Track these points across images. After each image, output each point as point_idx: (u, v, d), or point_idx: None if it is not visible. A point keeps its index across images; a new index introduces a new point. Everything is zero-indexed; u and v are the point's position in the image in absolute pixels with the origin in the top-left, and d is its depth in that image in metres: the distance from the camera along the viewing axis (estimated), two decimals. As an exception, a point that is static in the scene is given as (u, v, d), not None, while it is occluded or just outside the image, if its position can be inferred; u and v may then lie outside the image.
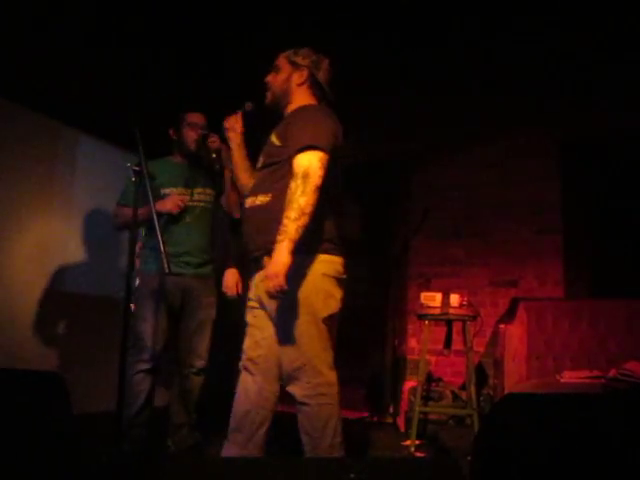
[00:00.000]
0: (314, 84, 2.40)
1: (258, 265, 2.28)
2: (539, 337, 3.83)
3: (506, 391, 3.61)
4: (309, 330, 2.18)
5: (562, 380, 3.10)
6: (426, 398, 3.95)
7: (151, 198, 2.18)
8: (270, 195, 2.23)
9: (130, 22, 3.47)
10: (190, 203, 3.11)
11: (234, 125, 2.49)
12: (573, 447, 1.43)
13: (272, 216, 2.16)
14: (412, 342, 4.87)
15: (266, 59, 2.44)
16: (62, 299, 4.10)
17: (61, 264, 4.14)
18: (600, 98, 4.03)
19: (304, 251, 2.14)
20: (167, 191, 3.10)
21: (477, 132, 4.70)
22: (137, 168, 2.18)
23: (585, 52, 3.47)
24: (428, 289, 4.60)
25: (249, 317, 2.40)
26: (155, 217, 2.18)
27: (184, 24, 3.38)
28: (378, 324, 5.08)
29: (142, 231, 3.18)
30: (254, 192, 2.31)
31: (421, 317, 3.63)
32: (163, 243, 2.11)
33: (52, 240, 4.09)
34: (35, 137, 3.99)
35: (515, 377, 3.69)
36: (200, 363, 3.12)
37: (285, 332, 2.20)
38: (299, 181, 2.08)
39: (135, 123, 2.21)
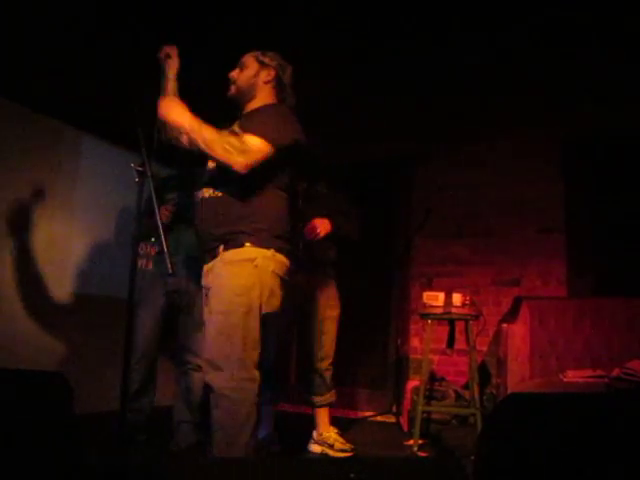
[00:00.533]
0: (279, 85, 2.49)
1: (213, 255, 2.29)
2: (542, 336, 3.82)
3: (509, 390, 3.61)
4: (246, 322, 2.16)
5: (565, 379, 3.10)
6: (429, 397, 3.94)
7: (154, 198, 2.18)
8: (229, 188, 2.28)
9: (132, 21, 3.47)
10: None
11: (170, 52, 2.48)
12: (576, 447, 1.43)
13: (231, 208, 2.25)
14: (415, 341, 4.87)
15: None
16: (66, 300, 4.11)
17: (64, 265, 4.15)
18: (602, 96, 4.02)
19: (259, 243, 2.21)
20: (170, 196, 3.16)
21: (479, 131, 4.69)
22: (140, 168, 2.18)
23: (587, 51, 3.45)
24: (430, 288, 4.60)
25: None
26: (158, 217, 2.17)
27: (186, 23, 3.37)
28: (381, 323, 5.09)
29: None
30: (211, 183, 2.34)
31: (424, 316, 3.62)
32: (166, 243, 2.10)
33: (55, 241, 4.10)
34: (37, 138, 4.00)
35: (518, 376, 3.68)
36: (198, 360, 3.12)
37: (217, 318, 2.18)
38: (237, 143, 2.16)
39: (138, 123, 2.21)
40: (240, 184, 2.24)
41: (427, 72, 3.80)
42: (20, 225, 3.86)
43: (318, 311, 3.37)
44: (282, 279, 2.28)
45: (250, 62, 2.48)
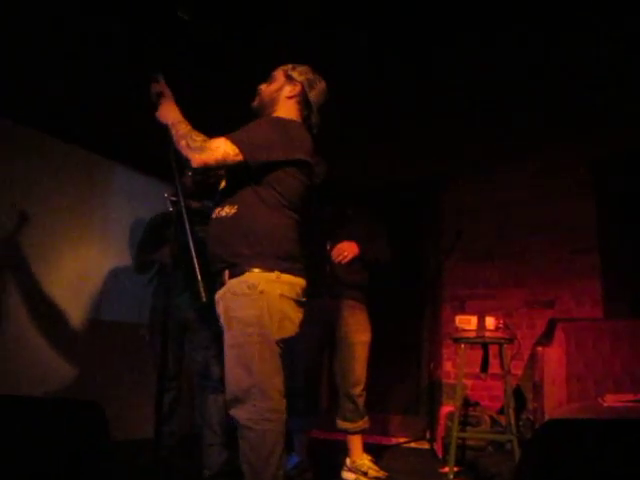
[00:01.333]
0: (303, 101, 2.41)
1: (220, 280, 2.24)
2: (579, 359, 3.73)
3: (546, 415, 3.52)
4: (260, 352, 2.09)
5: (605, 404, 3.01)
6: (464, 423, 3.86)
7: (187, 227, 2.21)
8: (236, 207, 2.23)
9: (164, 52, 3.56)
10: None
11: (159, 90, 2.42)
12: (618, 475, 1.38)
13: (236, 229, 2.19)
14: (447, 366, 4.80)
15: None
16: (99, 327, 4.17)
17: (98, 292, 4.22)
18: (633, 113, 3.96)
19: (262, 267, 2.14)
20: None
21: (509, 151, 4.66)
22: (174, 198, 2.22)
23: (617, 66, 3.42)
24: (463, 312, 4.55)
25: None
26: (192, 246, 2.19)
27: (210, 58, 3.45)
28: (413, 348, 5.03)
29: None
30: (221, 202, 2.31)
31: (457, 341, 3.57)
32: (200, 270, 2.11)
33: (89, 269, 4.18)
34: (71, 169, 4.10)
35: (555, 401, 3.60)
36: (209, 382, 3.11)
37: (233, 351, 2.13)
38: (199, 141, 2.14)
39: (171, 155, 2.25)
40: (244, 203, 2.21)
41: (457, 91, 3.80)
42: (54, 253, 3.95)
43: (347, 336, 3.34)
44: (296, 301, 2.20)
45: (278, 75, 2.45)
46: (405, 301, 5.11)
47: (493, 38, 3.24)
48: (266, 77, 2.49)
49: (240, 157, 2.14)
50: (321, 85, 2.45)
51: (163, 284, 3.16)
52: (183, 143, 2.16)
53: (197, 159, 2.12)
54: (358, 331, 3.37)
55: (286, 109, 2.40)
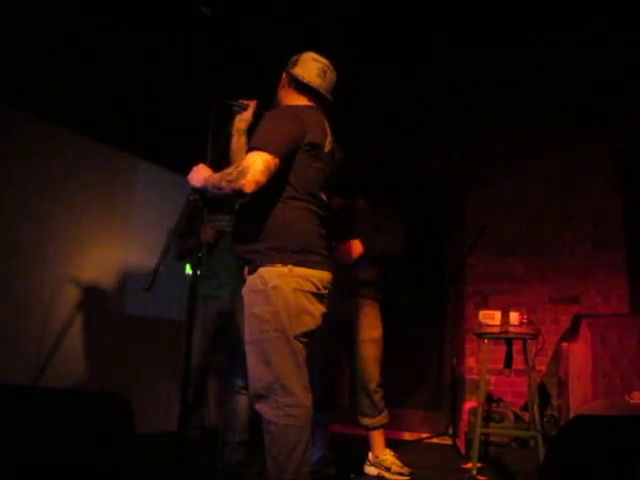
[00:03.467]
0: (294, 83, 2.35)
1: (242, 276, 2.25)
2: (605, 355, 3.68)
3: (571, 412, 3.48)
4: (279, 347, 2.09)
5: (632, 401, 2.98)
6: (487, 419, 3.84)
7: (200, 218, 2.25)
8: (250, 202, 2.22)
9: (184, 51, 3.59)
10: (226, 228, 3.22)
11: (247, 105, 2.44)
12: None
13: (250, 224, 2.20)
14: (470, 361, 4.76)
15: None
16: (122, 321, 4.22)
17: (121, 287, 4.27)
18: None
19: (274, 262, 2.12)
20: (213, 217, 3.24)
21: (533, 146, 4.61)
22: (197, 196, 2.23)
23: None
24: (486, 307, 4.51)
25: None
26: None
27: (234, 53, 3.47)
28: (436, 343, 5.01)
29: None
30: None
31: (480, 336, 3.54)
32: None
33: (112, 264, 4.23)
34: (95, 164, 4.15)
35: (580, 397, 3.56)
36: (240, 382, 3.14)
37: (253, 348, 2.14)
38: (234, 171, 2.07)
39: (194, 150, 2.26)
40: (258, 198, 2.15)
41: (481, 88, 3.77)
42: (80, 249, 4.00)
43: (358, 333, 3.31)
44: (314, 293, 2.18)
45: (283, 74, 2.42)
46: (428, 296, 5.09)
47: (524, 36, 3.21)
48: None
49: (277, 160, 2.09)
50: (305, 56, 2.38)
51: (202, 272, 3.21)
52: (223, 184, 2.08)
53: (245, 185, 2.02)
54: (368, 328, 3.33)
55: (286, 98, 2.38)
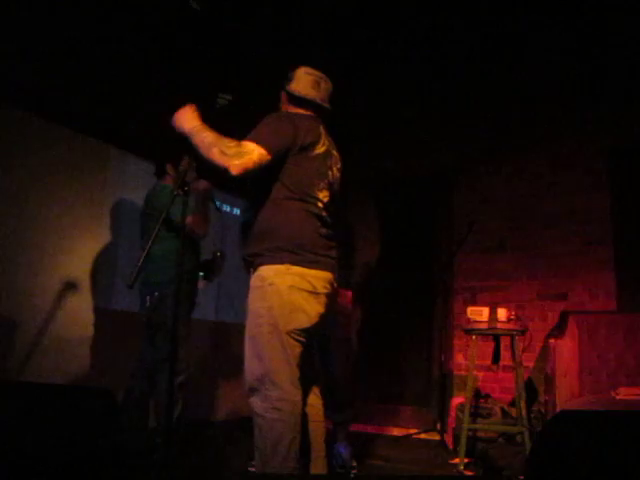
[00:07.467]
0: (291, 98, 2.45)
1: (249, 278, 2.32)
2: (591, 352, 3.71)
3: (558, 408, 3.50)
4: (271, 342, 2.14)
5: (618, 397, 3.00)
6: (474, 415, 3.86)
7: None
8: (252, 210, 2.30)
9: (176, 51, 3.58)
10: None
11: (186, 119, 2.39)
12: (630, 467, 1.37)
13: (251, 230, 2.27)
14: (459, 357, 4.78)
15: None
16: (110, 316, 4.19)
17: (110, 282, 4.24)
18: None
19: (272, 260, 2.19)
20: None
21: (521, 143, 4.62)
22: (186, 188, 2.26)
23: (631, 53, 3.38)
24: (475, 303, 4.54)
25: None
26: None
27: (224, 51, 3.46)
28: (424, 339, 5.02)
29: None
30: (245, 208, 2.41)
31: (468, 332, 3.56)
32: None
33: (101, 258, 4.20)
34: (84, 159, 4.12)
35: (567, 393, 3.58)
36: None
37: (249, 342, 2.20)
38: (234, 148, 2.10)
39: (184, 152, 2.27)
40: (257, 204, 2.26)
41: (470, 85, 3.78)
42: (69, 244, 3.97)
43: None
44: (310, 292, 2.21)
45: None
46: (416, 292, 5.10)
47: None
48: None
49: (269, 156, 2.15)
50: (299, 71, 2.46)
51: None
52: (215, 151, 2.11)
53: (237, 166, 2.08)
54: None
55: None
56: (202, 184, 3.19)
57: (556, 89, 3.78)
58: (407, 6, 3.10)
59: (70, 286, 3.94)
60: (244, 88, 2.53)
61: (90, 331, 4.04)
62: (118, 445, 1.53)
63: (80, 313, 4.00)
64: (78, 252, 4.04)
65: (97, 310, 4.10)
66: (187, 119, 2.22)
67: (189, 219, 3.05)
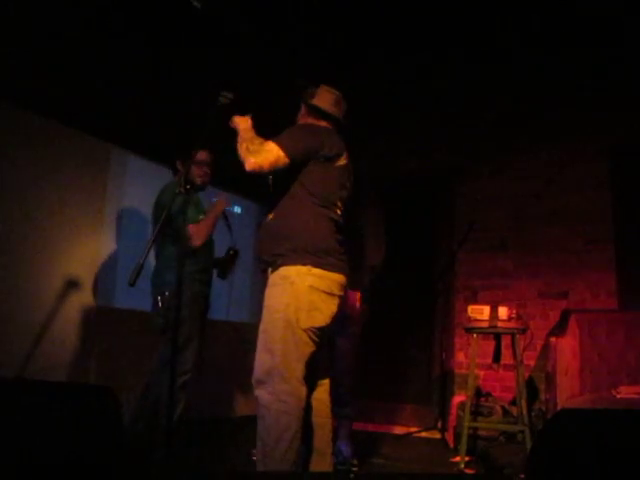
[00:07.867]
0: (313, 111, 2.58)
1: (266, 277, 2.40)
2: (592, 350, 3.70)
3: (559, 406, 3.50)
4: (285, 337, 2.22)
5: (618, 395, 3.00)
6: (475, 413, 3.86)
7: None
8: (275, 212, 2.40)
9: (175, 51, 3.58)
10: None
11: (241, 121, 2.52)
12: (631, 465, 1.37)
13: (274, 231, 2.36)
14: (460, 356, 4.79)
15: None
16: (112, 314, 4.20)
17: (111, 281, 4.25)
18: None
19: (295, 261, 2.27)
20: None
21: (522, 142, 4.62)
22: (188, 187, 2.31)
23: (631, 53, 3.38)
24: (476, 302, 4.54)
25: None
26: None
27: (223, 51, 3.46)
28: (425, 338, 5.02)
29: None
30: (268, 210, 2.49)
31: (469, 330, 3.56)
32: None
33: (102, 257, 4.21)
34: (85, 157, 4.12)
35: (568, 392, 3.58)
36: None
37: (261, 336, 2.27)
38: (257, 146, 2.27)
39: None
40: (281, 207, 2.37)
41: (470, 86, 3.78)
42: (70, 242, 3.98)
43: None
44: (327, 293, 2.30)
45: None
46: (417, 291, 5.10)
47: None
48: None
49: (287, 159, 2.29)
50: (321, 89, 2.60)
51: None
52: (244, 146, 2.30)
53: (252, 162, 2.25)
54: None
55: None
56: (221, 199, 3.22)
57: (556, 89, 3.77)
58: (407, 6, 3.10)
59: (71, 285, 3.94)
60: (244, 88, 2.53)
61: (91, 329, 4.04)
62: (118, 444, 1.53)
63: (81, 311, 4.00)
64: (79, 250, 4.04)
65: (98, 308, 4.11)
66: (243, 121, 2.42)
67: (192, 227, 3.04)
